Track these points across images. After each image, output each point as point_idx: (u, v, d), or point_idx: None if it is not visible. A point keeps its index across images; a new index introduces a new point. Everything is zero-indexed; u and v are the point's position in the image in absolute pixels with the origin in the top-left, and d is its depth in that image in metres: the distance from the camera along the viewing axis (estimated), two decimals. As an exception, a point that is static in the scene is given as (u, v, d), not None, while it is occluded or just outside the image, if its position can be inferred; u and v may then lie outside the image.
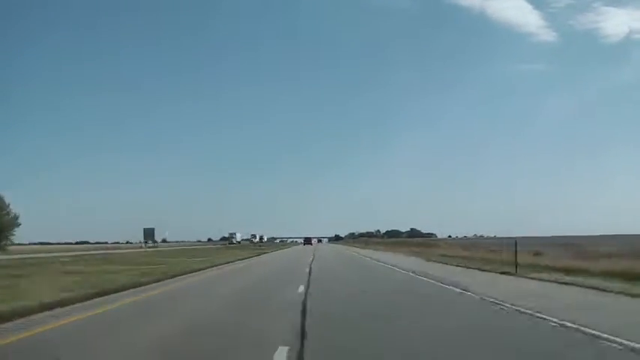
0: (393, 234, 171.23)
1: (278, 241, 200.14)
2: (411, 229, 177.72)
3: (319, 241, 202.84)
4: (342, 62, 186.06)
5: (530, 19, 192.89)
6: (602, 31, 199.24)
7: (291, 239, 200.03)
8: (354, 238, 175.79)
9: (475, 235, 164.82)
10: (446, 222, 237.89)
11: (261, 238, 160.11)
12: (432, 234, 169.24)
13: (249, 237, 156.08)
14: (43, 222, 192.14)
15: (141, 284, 16.65)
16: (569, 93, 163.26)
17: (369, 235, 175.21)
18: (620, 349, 6.65)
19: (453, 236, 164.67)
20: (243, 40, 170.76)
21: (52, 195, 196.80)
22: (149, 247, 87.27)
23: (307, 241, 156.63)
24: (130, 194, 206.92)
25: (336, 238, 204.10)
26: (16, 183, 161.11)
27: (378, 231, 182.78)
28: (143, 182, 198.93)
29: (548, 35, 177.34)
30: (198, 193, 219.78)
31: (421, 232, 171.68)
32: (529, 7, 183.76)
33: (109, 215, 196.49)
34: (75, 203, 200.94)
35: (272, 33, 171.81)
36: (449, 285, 15.65)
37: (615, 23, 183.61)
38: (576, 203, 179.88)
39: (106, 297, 13.07)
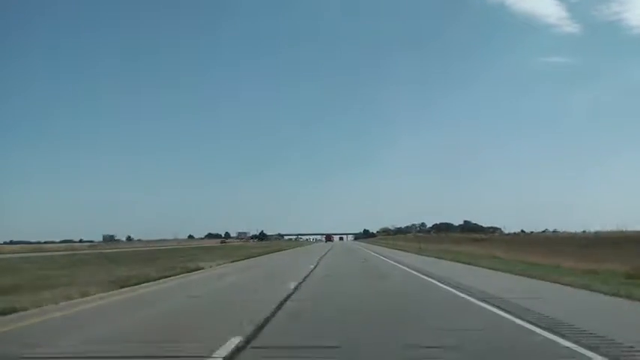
0: (442, 227, 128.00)
1: (299, 238, 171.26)
2: (465, 221, 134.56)
3: (340, 238, 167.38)
4: (360, 58, 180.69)
5: (551, 10, 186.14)
6: (625, 22, 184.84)
7: (313, 236, 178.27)
8: (389, 234, 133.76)
9: (547, 229, 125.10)
10: (512, 214, 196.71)
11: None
12: (495, 228, 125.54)
13: None
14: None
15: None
16: (594, 86, 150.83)
17: (409, 230, 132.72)
18: None
19: (527, 231, 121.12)
20: (258, 39, 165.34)
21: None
22: None
23: (328, 238, 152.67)
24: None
25: (366, 235, 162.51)
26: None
27: (423, 224, 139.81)
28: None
29: (570, 27, 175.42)
30: (214, 190, 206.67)
31: (479, 226, 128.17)
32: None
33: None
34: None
35: (291, 30, 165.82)
36: None
37: (639, 13, 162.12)
38: (600, 198, 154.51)
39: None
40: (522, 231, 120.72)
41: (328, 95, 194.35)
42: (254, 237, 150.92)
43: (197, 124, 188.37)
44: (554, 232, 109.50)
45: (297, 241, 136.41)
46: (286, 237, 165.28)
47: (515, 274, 17.02)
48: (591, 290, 11.89)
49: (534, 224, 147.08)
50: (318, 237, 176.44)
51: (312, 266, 23.56)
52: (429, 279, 16.07)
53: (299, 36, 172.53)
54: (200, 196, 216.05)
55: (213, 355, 5.79)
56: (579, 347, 6.02)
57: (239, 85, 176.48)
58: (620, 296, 10.64)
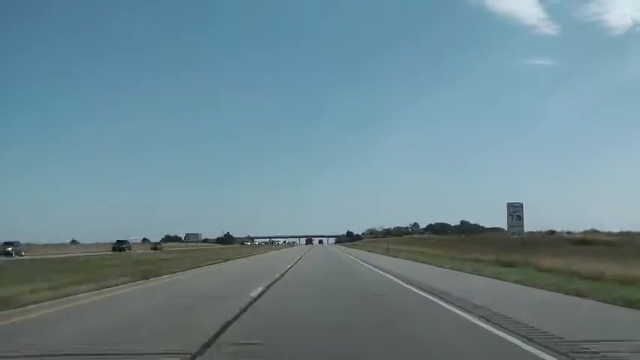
0: (437, 229, 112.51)
1: (274, 241, 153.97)
2: (462, 221, 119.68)
3: (320, 242, 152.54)
4: (344, 57, 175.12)
5: (531, 11, 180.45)
6: (605, 23, 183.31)
7: (288, 239, 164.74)
8: (377, 237, 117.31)
9: (562, 230, 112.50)
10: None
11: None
12: (498, 228, 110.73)
13: None
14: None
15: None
16: (574, 89, 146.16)
17: (400, 231, 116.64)
18: None
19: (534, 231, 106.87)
20: (247, 37, 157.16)
21: None
22: None
23: (309, 241, 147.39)
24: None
25: (350, 237, 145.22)
26: None
27: (416, 225, 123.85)
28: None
29: (549, 28, 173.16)
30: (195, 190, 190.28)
31: (479, 227, 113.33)
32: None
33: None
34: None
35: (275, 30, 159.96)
36: None
37: (618, 14, 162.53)
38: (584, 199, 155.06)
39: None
40: (531, 232, 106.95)
41: (316, 92, 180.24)
42: (219, 240, 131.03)
43: (174, 124, 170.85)
44: (568, 232, 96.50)
45: (263, 246, 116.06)
46: (258, 240, 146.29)
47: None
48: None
49: (533, 224, 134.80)
50: (295, 240, 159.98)
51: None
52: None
53: (283, 38, 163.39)
54: (177, 196, 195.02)
55: None
56: None
57: (222, 83, 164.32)
58: None
